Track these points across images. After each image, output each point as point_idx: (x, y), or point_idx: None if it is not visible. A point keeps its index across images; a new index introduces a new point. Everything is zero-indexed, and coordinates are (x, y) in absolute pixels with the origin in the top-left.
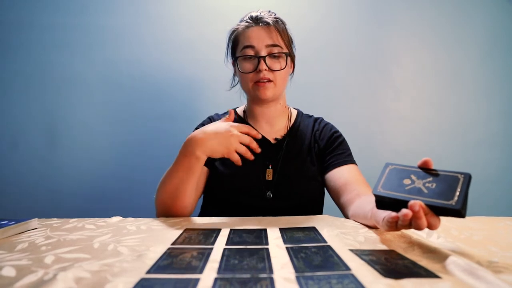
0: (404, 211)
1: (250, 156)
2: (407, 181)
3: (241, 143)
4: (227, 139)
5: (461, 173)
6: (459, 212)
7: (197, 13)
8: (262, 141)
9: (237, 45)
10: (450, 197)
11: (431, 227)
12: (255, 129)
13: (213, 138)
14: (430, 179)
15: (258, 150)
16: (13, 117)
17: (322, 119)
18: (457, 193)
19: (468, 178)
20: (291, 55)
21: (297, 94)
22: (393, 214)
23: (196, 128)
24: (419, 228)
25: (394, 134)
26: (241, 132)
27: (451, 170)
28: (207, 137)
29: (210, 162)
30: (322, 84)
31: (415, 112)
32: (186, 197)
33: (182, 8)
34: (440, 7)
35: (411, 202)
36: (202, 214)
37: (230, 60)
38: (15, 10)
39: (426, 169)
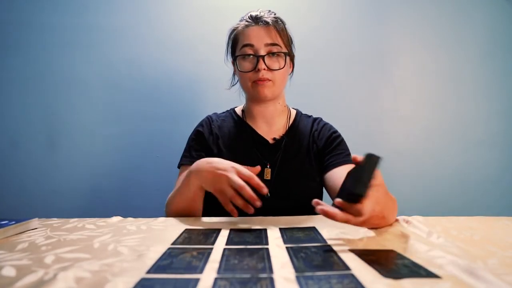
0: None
1: (249, 210)
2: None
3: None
4: (218, 176)
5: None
6: (357, 194)
7: (198, 14)
8: (260, 141)
9: (236, 44)
10: (354, 185)
11: (358, 214)
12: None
13: (208, 174)
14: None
15: (258, 204)
16: (13, 117)
17: (320, 119)
18: (358, 179)
19: (366, 157)
20: (290, 55)
21: (297, 94)
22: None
23: (196, 128)
24: (342, 221)
25: (394, 134)
26: (241, 177)
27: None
28: (206, 169)
29: None
30: (322, 84)
31: (415, 112)
32: (197, 211)
33: (182, 8)
34: (440, 7)
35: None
36: (202, 214)
37: (230, 59)
38: (15, 10)
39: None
